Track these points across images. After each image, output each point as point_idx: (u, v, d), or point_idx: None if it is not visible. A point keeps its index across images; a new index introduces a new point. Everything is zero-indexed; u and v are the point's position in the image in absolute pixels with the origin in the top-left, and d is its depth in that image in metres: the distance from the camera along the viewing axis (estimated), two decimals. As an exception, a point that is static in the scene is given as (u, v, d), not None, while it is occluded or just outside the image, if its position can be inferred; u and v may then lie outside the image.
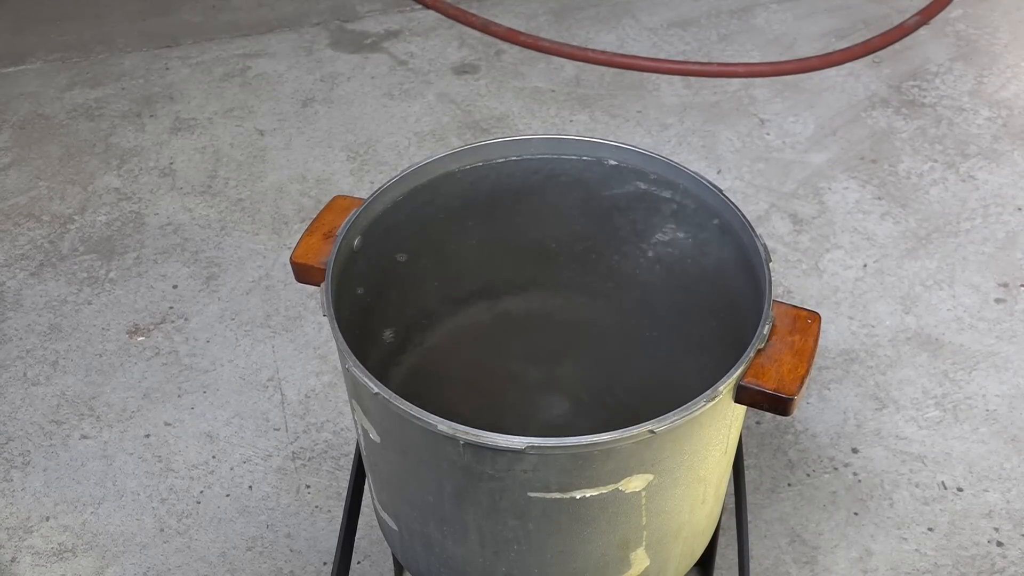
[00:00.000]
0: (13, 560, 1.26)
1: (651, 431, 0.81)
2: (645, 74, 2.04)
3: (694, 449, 0.88)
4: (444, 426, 0.81)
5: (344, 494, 1.27)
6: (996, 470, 1.33)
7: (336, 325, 0.88)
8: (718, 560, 1.21)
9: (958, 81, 1.99)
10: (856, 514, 1.28)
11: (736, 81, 2.01)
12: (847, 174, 1.79)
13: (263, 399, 1.44)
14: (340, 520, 1.20)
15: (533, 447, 0.80)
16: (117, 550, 1.27)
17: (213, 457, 1.37)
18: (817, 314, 0.91)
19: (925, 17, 2.14)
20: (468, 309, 1.18)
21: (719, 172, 1.79)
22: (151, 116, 1.96)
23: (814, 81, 2.01)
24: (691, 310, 1.09)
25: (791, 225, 1.69)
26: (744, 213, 0.97)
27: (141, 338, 1.53)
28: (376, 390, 0.84)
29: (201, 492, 1.33)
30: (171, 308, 1.57)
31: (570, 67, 2.06)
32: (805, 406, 1.41)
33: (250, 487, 1.33)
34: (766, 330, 0.87)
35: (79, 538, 1.28)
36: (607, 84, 2.01)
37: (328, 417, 1.41)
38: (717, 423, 0.88)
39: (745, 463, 1.31)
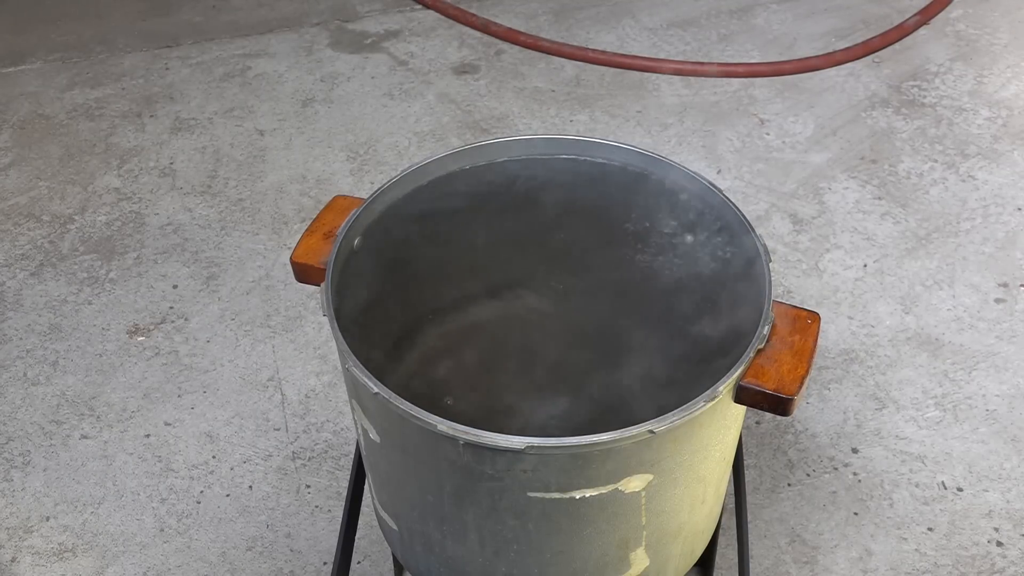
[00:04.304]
0: (13, 560, 1.26)
1: (651, 431, 0.81)
2: (645, 74, 2.04)
3: (694, 449, 0.88)
4: (444, 426, 0.81)
5: (344, 494, 1.27)
6: (996, 470, 1.33)
7: (336, 325, 0.88)
8: (718, 560, 1.21)
9: (958, 81, 1.99)
10: (856, 514, 1.28)
11: (736, 81, 2.01)
12: (847, 174, 1.79)
13: (263, 399, 1.44)
14: (340, 520, 1.20)
15: (533, 447, 0.80)
16: (117, 550, 1.27)
17: (213, 457, 1.37)
18: (817, 314, 0.91)
19: (925, 17, 2.14)
20: (468, 309, 1.18)
21: (719, 172, 1.79)
22: (151, 116, 1.96)
23: (814, 81, 2.01)
24: (691, 310, 1.09)
25: (791, 225, 1.69)
26: (744, 213, 0.97)
27: (141, 338, 1.53)
28: (376, 390, 0.84)
29: (201, 492, 1.33)
30: (171, 308, 1.57)
31: (570, 67, 2.06)
32: (805, 406, 1.41)
33: (250, 487, 1.33)
34: (766, 330, 0.87)
35: (79, 538, 1.28)
36: (607, 84, 2.01)
37: (328, 417, 1.41)
38: (717, 423, 0.88)
39: (745, 463, 1.31)
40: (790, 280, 1.59)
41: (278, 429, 1.40)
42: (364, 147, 1.87)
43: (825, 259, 1.63)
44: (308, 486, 1.33)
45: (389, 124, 1.92)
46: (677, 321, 1.12)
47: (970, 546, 1.25)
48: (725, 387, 0.84)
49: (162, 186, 1.80)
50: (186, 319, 1.55)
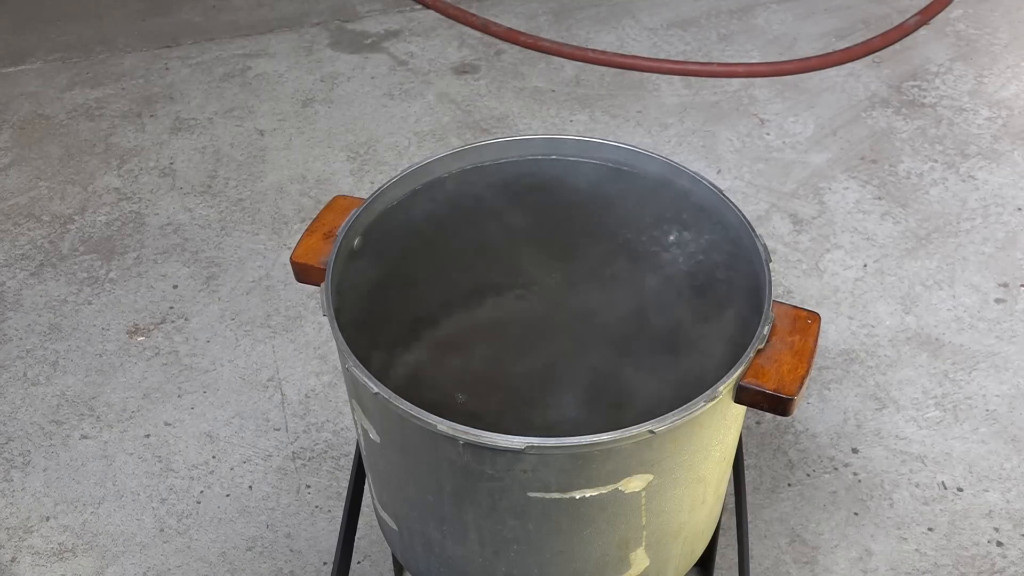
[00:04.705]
0: (13, 560, 1.26)
1: (651, 431, 0.81)
2: (645, 74, 2.04)
3: (694, 449, 0.88)
4: (444, 426, 0.81)
5: (344, 494, 1.27)
6: (996, 470, 1.33)
7: (336, 325, 0.88)
8: (718, 560, 1.21)
9: (958, 81, 1.99)
10: (856, 514, 1.28)
11: (736, 81, 2.01)
12: (847, 174, 1.79)
13: (263, 399, 1.44)
14: (340, 520, 1.20)
15: (533, 447, 0.80)
16: (117, 550, 1.27)
17: (213, 457, 1.37)
18: (817, 314, 0.91)
19: (925, 17, 2.14)
20: (468, 309, 1.18)
21: (719, 172, 1.79)
22: (151, 116, 1.96)
23: (814, 81, 2.01)
24: (691, 310, 1.09)
25: (791, 225, 1.69)
26: (744, 213, 0.97)
27: (141, 338, 1.53)
28: (376, 390, 0.84)
29: (201, 492, 1.33)
30: (171, 308, 1.57)
31: (570, 67, 2.06)
32: (805, 406, 1.41)
33: (250, 487, 1.33)
34: (766, 330, 0.87)
35: (79, 538, 1.28)
36: (607, 84, 2.01)
37: (328, 417, 1.41)
38: (717, 423, 0.88)
39: (745, 463, 1.31)
40: (790, 280, 1.59)
41: (278, 429, 1.40)
42: (364, 147, 1.87)
43: (825, 259, 1.63)
44: (308, 486, 1.33)
45: (389, 124, 1.92)
46: (677, 321, 1.12)
47: (970, 546, 1.25)
48: (725, 387, 0.84)
49: (162, 186, 1.80)
50: (186, 319, 1.55)
